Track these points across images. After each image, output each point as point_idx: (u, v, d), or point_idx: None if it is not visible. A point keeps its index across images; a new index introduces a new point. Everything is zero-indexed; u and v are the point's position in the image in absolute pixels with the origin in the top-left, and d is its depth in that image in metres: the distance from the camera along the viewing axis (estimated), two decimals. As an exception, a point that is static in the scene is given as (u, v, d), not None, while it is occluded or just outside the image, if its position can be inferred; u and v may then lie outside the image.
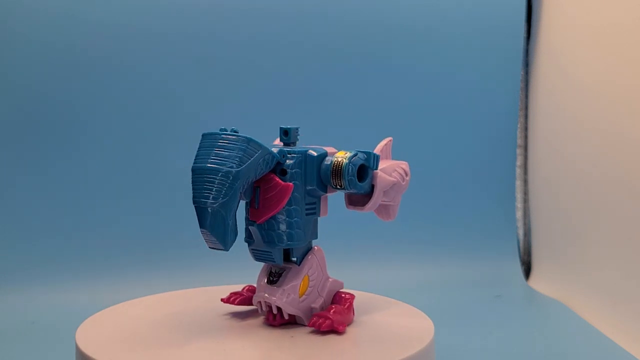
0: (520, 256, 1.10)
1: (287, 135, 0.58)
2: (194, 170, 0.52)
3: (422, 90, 1.09)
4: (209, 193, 0.52)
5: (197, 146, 0.53)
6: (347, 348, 0.54)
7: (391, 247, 1.07)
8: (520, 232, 1.12)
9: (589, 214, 0.92)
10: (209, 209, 0.52)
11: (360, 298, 0.68)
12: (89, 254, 1.01)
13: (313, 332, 0.58)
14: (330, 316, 0.58)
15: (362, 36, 1.08)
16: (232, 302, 0.61)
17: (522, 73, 1.11)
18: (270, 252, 0.57)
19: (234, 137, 0.53)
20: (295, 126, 0.58)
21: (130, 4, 1.04)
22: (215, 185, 0.52)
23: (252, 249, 0.58)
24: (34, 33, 1.01)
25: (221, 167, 0.52)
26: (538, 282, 1.05)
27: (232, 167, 0.52)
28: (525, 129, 1.12)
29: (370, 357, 0.53)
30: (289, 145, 0.58)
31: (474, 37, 1.09)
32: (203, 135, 0.53)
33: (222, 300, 0.62)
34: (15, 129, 1.01)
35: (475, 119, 1.10)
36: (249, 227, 0.57)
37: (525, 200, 1.12)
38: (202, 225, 0.52)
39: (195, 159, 0.52)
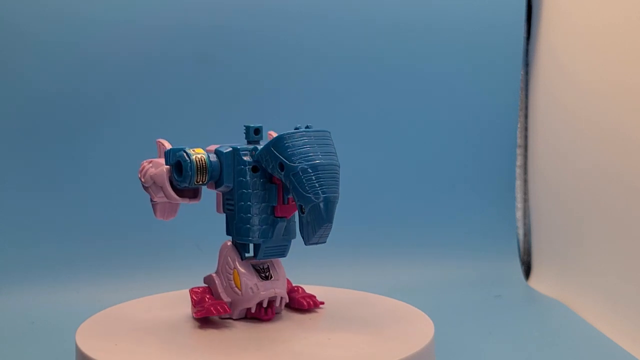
0: (520, 256, 1.10)
1: (258, 133, 0.59)
2: (317, 166, 0.53)
3: (422, 90, 1.09)
4: (338, 188, 0.54)
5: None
6: (347, 348, 0.54)
7: (391, 247, 1.07)
8: (520, 232, 1.12)
9: (589, 214, 0.92)
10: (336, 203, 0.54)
11: (361, 298, 0.68)
12: (89, 254, 1.01)
13: (306, 330, 0.58)
14: (309, 294, 0.63)
15: (361, 36, 1.08)
16: (222, 312, 0.59)
17: (522, 73, 1.11)
18: (284, 246, 0.60)
19: (328, 132, 0.55)
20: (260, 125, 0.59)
21: (130, 3, 1.04)
22: (338, 181, 0.54)
23: (267, 247, 0.59)
24: (33, 32, 1.01)
25: (337, 162, 0.55)
26: (538, 282, 1.05)
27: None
28: (525, 129, 1.12)
29: (370, 357, 0.53)
30: (257, 144, 0.59)
31: (474, 37, 1.09)
32: (292, 133, 0.54)
33: (197, 315, 0.59)
34: (14, 129, 1.01)
35: (475, 119, 1.10)
36: (275, 224, 0.58)
37: (525, 200, 1.12)
38: (330, 220, 0.54)
39: (309, 156, 0.53)
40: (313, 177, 0.53)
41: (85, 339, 0.56)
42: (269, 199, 0.58)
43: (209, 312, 0.59)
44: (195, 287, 0.61)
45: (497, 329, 0.85)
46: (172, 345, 0.55)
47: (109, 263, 1.01)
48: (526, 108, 1.12)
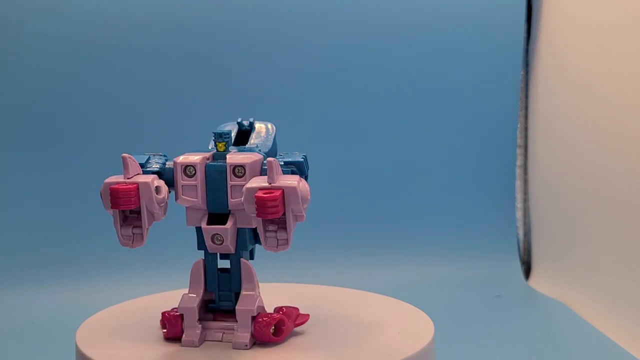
0: (520, 256, 1.10)
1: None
2: None
3: (422, 90, 1.09)
4: None
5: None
6: (346, 348, 0.54)
7: (391, 246, 1.07)
8: (520, 232, 1.12)
9: (589, 213, 0.92)
10: None
11: (361, 297, 0.68)
12: (89, 254, 1.01)
13: (305, 329, 0.58)
14: None
15: (361, 36, 1.08)
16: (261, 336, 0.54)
17: (522, 73, 1.11)
18: None
19: None
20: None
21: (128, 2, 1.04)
22: None
23: None
24: (32, 31, 1.01)
25: None
26: (538, 282, 1.05)
27: None
28: (525, 129, 1.12)
29: (370, 357, 0.53)
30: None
31: (474, 37, 1.09)
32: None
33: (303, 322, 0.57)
34: (14, 128, 1.01)
35: (475, 119, 1.10)
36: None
37: (525, 200, 1.12)
38: None
39: None
40: None
41: (85, 339, 0.56)
42: None
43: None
44: (268, 316, 0.54)
45: (497, 329, 0.85)
46: (174, 345, 0.55)
47: (108, 263, 1.01)
48: (526, 108, 1.12)
